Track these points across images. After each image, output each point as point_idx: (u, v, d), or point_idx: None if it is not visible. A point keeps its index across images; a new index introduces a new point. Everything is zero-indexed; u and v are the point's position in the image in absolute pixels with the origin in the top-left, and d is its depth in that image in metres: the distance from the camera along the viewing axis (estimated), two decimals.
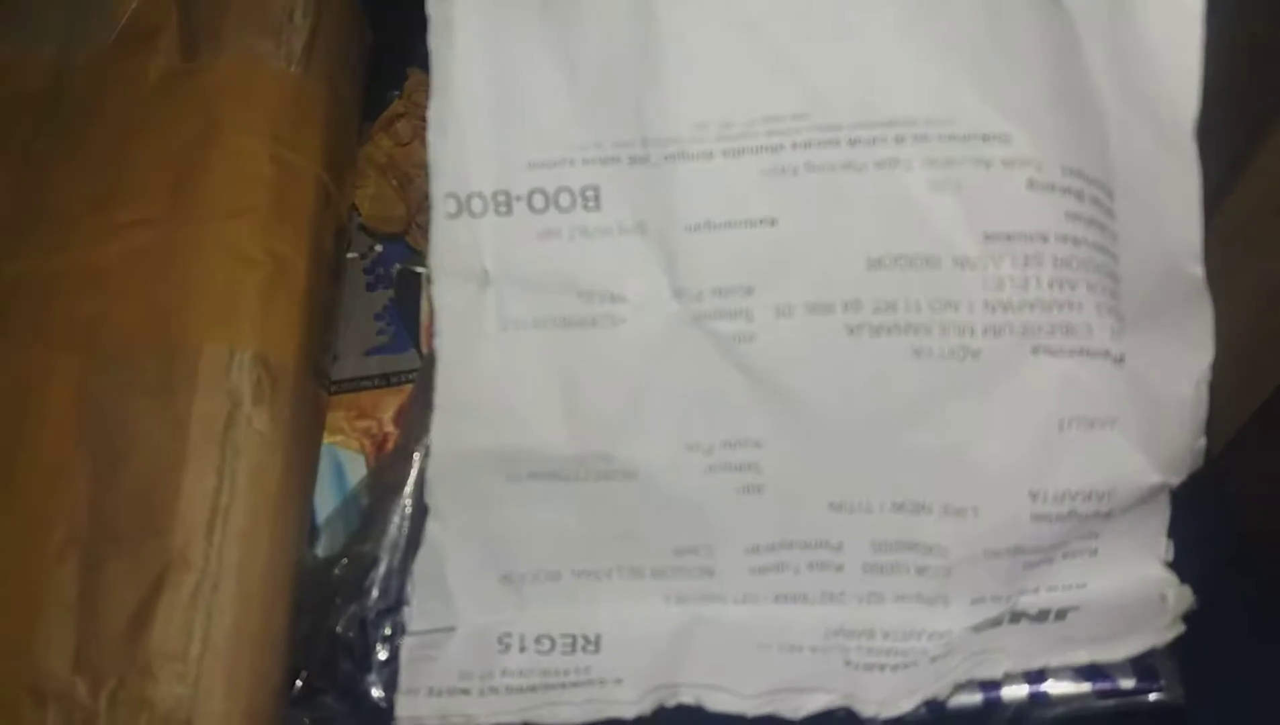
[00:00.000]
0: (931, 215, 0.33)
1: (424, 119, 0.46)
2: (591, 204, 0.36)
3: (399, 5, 0.47)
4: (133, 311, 0.37)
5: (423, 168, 0.46)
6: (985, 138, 0.32)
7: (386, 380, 0.47)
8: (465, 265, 0.36)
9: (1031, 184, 0.33)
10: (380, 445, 0.45)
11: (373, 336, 0.47)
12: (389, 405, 0.46)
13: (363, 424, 0.46)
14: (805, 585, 0.38)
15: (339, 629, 0.39)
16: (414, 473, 0.41)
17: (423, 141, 0.46)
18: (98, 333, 0.37)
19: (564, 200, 0.36)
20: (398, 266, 0.46)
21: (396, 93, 0.49)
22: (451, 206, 0.36)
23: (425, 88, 0.47)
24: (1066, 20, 0.30)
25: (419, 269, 0.45)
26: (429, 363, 0.43)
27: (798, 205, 0.34)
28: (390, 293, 0.48)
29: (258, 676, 0.36)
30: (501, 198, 0.36)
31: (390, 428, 0.46)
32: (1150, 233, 0.30)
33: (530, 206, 0.36)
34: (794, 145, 0.34)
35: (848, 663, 0.37)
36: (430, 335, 0.45)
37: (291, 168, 0.39)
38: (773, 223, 0.35)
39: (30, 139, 0.40)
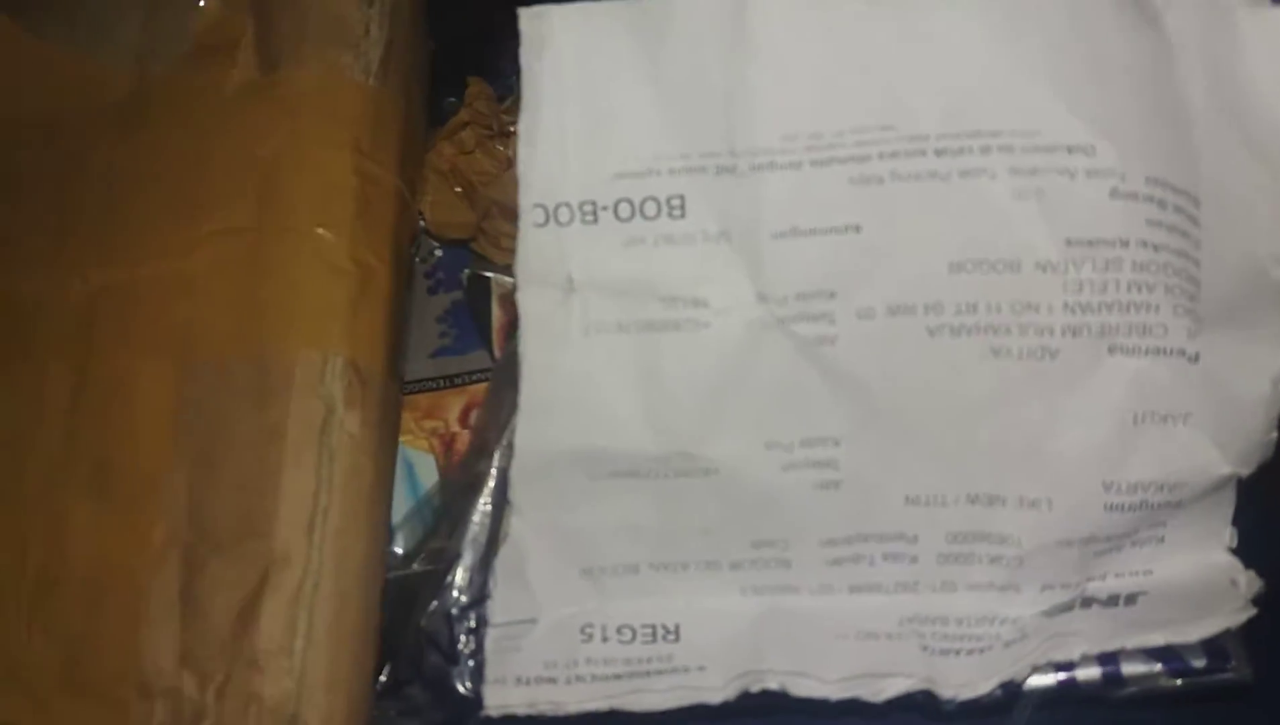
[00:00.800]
0: (1014, 222, 0.35)
1: (488, 127, 0.47)
2: (677, 212, 0.37)
3: (456, 13, 0.48)
4: (224, 319, 0.38)
5: (485, 175, 0.47)
6: (1070, 149, 0.34)
7: (450, 381, 0.48)
8: (551, 273, 0.38)
9: (1114, 193, 0.34)
10: (449, 444, 0.46)
11: (435, 339, 0.48)
12: (454, 405, 0.47)
13: (430, 424, 0.47)
14: (880, 576, 0.39)
15: (423, 623, 0.40)
16: (493, 472, 0.42)
17: (485, 151, 0.47)
18: (189, 339, 0.38)
19: (649, 209, 0.37)
20: (467, 271, 0.47)
21: (454, 99, 0.50)
22: (539, 216, 0.37)
23: (487, 96, 0.49)
24: (1160, 37, 0.31)
25: (488, 274, 0.46)
26: (503, 366, 0.44)
27: (882, 213, 0.35)
28: (452, 296, 0.49)
29: (356, 669, 0.37)
30: (588, 207, 0.37)
31: (456, 427, 0.47)
32: (1236, 238, 0.32)
33: (616, 215, 0.37)
34: (880, 155, 0.35)
35: (924, 648, 0.39)
36: (503, 339, 0.46)
37: (373, 178, 0.40)
38: (857, 230, 0.36)
39: (113, 151, 0.41)
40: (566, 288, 0.38)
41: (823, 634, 0.39)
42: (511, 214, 0.45)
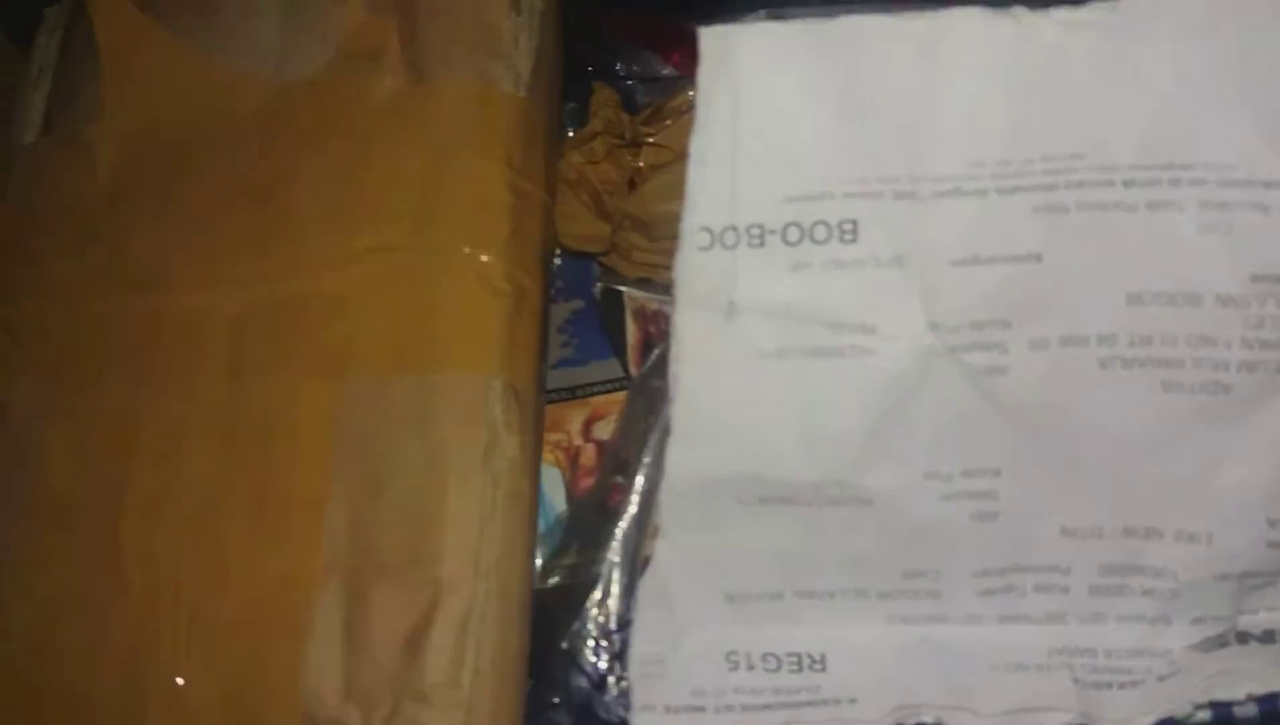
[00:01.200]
0: (1198, 255, 0.34)
1: (619, 136, 0.47)
2: (848, 237, 0.36)
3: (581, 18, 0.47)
4: (381, 339, 0.37)
5: (610, 185, 0.47)
6: (1267, 184, 0.33)
7: (572, 393, 0.47)
8: (713, 296, 0.37)
9: None
10: (573, 457, 0.46)
11: (557, 349, 0.48)
12: (576, 417, 0.47)
13: (554, 437, 0.46)
14: (1029, 607, 0.39)
15: (566, 645, 0.40)
16: (634, 495, 0.41)
17: (613, 160, 0.47)
18: (346, 360, 0.37)
19: (819, 233, 0.36)
20: (600, 286, 0.46)
21: (573, 104, 0.49)
22: (704, 240, 0.37)
23: (614, 104, 0.48)
24: None
25: (620, 287, 0.46)
26: (642, 385, 0.44)
27: (1064, 242, 0.35)
28: (571, 305, 0.48)
29: (516, 698, 0.36)
30: (755, 231, 0.36)
31: (579, 440, 0.46)
32: None
33: (784, 239, 0.36)
34: (1067, 184, 0.34)
35: (1075, 680, 0.38)
36: (638, 356, 0.45)
37: (525, 194, 0.39)
38: (1038, 259, 0.35)
39: (254, 162, 0.40)
40: (728, 312, 0.37)
41: (974, 666, 0.39)
42: (645, 227, 0.45)
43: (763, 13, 0.37)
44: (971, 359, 0.36)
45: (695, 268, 0.37)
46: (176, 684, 0.35)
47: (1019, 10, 0.34)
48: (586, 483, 0.45)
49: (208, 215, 0.40)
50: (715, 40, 0.35)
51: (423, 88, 0.40)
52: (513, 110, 0.40)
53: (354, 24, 0.41)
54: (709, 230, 0.37)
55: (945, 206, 0.35)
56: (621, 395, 0.47)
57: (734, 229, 0.37)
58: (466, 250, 0.38)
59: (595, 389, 0.47)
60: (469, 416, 0.36)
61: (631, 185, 0.47)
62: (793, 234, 0.36)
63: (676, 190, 0.43)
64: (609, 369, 0.47)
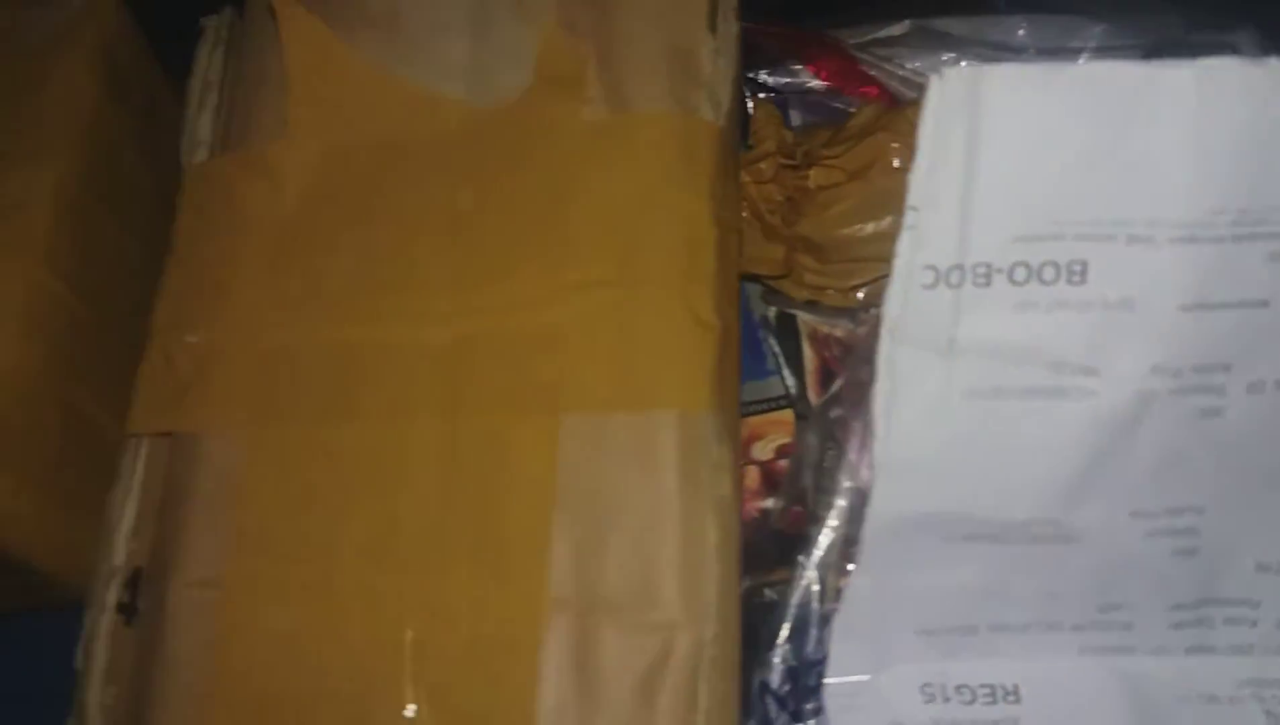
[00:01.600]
0: None
1: (790, 157, 0.46)
2: (1077, 278, 0.36)
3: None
4: (596, 375, 0.37)
5: (773, 205, 0.46)
6: None
7: None
8: (932, 335, 0.37)
9: None
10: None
11: None
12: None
13: None
14: (1216, 638, 0.40)
15: (762, 676, 0.40)
16: (822, 527, 0.41)
17: (779, 181, 0.46)
18: (562, 396, 0.37)
19: (1047, 274, 0.36)
20: (774, 310, 0.46)
21: None
22: (928, 278, 0.36)
23: (777, 122, 0.47)
24: None
25: (795, 312, 0.45)
26: (821, 412, 0.44)
27: None
28: None
29: None
30: (982, 270, 0.36)
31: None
32: None
33: (1011, 279, 0.36)
34: None
35: (1267, 713, 0.39)
36: (818, 382, 0.45)
37: (726, 225, 0.39)
38: (1265, 304, 0.35)
39: (451, 190, 0.39)
40: (947, 351, 0.37)
41: (1166, 696, 0.40)
42: (819, 250, 0.45)
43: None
44: (1189, 401, 0.36)
45: (916, 305, 0.37)
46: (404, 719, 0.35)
47: (1274, 62, 0.34)
48: (749, 505, 0.45)
49: (407, 244, 0.39)
50: (956, 82, 0.35)
51: (624, 116, 0.39)
52: (713, 140, 0.39)
53: (551, 47, 0.40)
54: (934, 268, 0.36)
55: (1180, 252, 0.35)
56: (779, 415, 0.46)
57: (960, 268, 0.36)
58: (677, 285, 0.37)
59: (753, 409, 0.47)
60: (689, 454, 0.36)
61: (790, 204, 0.46)
62: (1020, 274, 0.36)
63: (860, 215, 0.43)
64: (764, 389, 0.47)
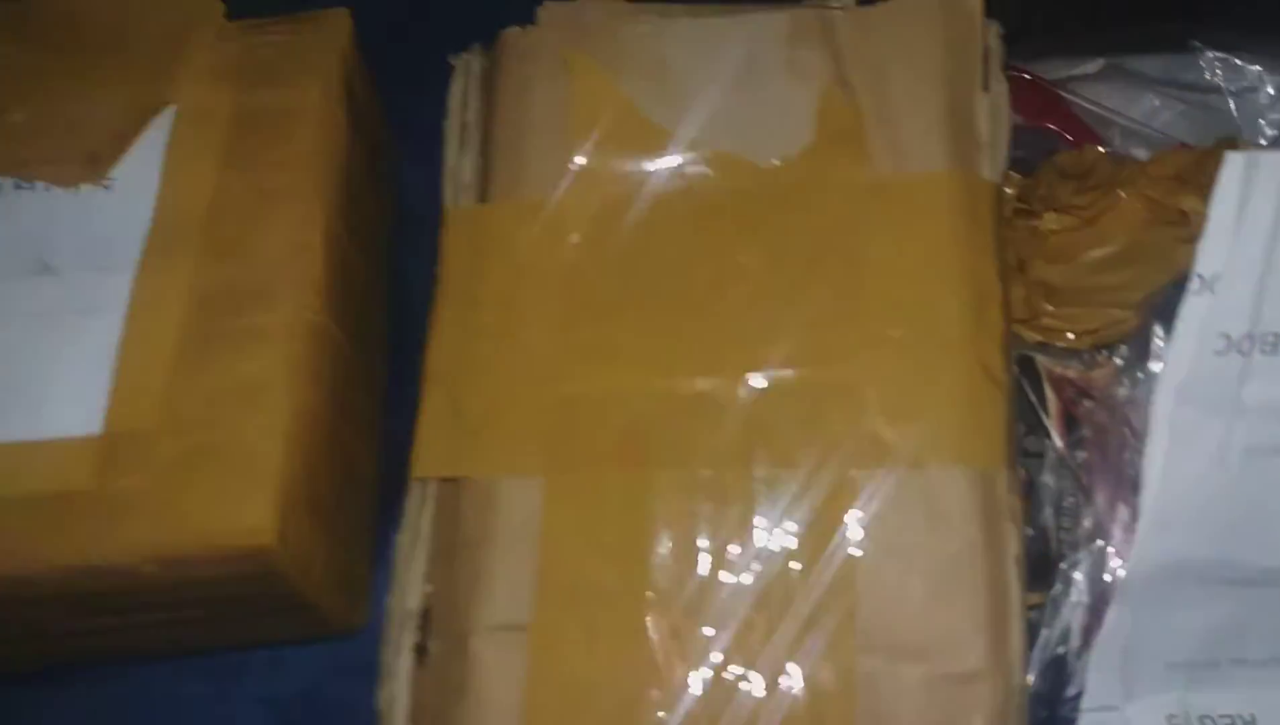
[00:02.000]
0: None
1: (1023, 201, 0.47)
2: None
3: None
4: (896, 431, 0.38)
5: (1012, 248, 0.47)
6: None
7: None
8: (1219, 397, 0.39)
9: None
10: None
11: None
12: None
13: None
14: None
15: None
16: (1078, 573, 0.43)
17: (1009, 224, 0.47)
18: (861, 450, 0.38)
19: None
20: (1017, 351, 0.47)
21: None
22: (1220, 344, 0.39)
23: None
24: None
25: (1037, 356, 0.47)
26: (1064, 458, 0.45)
27: None
28: None
29: None
30: (1271, 338, 0.38)
31: None
32: None
33: None
34: None
35: None
36: (1062, 427, 0.47)
37: (1005, 279, 0.40)
38: None
39: (738, 245, 0.40)
40: (1231, 412, 0.39)
41: None
42: (1056, 294, 0.46)
43: None
44: None
45: (1205, 369, 0.39)
46: None
47: None
48: None
49: (698, 297, 0.40)
50: (1246, 164, 0.37)
51: (906, 175, 0.40)
52: (990, 197, 0.41)
53: (831, 105, 0.41)
54: (1227, 336, 0.39)
55: None
56: None
57: (1251, 336, 0.38)
58: (970, 342, 0.39)
59: None
60: (988, 509, 0.37)
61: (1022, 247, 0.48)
62: None
63: (1104, 265, 0.44)
64: None
